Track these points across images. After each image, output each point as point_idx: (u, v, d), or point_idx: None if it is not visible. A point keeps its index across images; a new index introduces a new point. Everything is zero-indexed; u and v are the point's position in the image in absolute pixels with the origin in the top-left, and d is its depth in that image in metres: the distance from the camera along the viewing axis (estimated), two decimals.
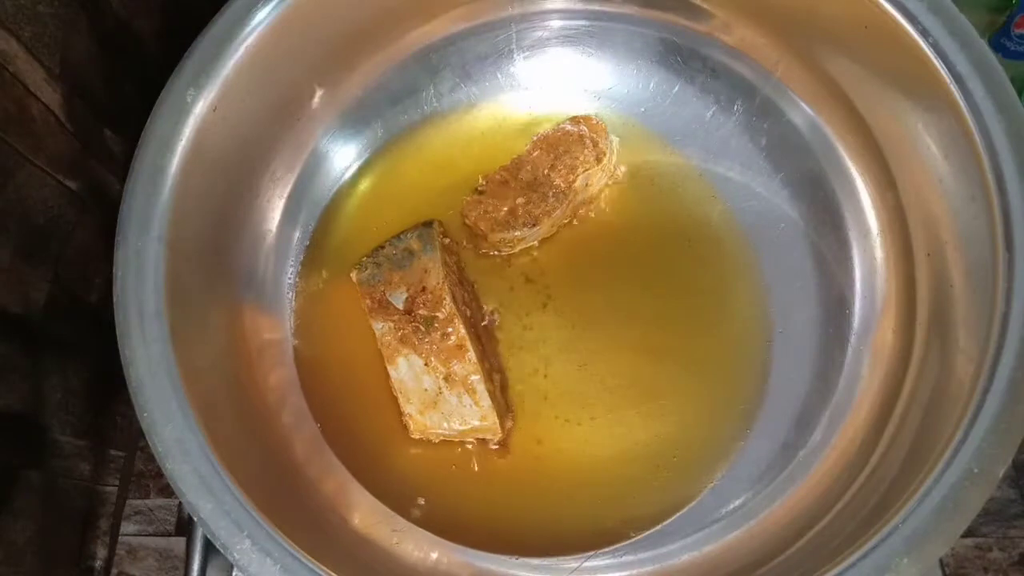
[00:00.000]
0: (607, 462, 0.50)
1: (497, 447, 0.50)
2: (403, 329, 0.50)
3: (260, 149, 0.51)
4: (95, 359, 0.63)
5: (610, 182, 0.56)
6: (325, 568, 0.38)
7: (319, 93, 0.53)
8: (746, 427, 0.50)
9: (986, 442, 0.36)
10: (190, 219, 0.44)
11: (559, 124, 0.56)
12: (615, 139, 0.56)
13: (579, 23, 0.57)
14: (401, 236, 0.53)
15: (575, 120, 0.56)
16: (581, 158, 0.54)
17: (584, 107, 0.58)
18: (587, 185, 0.54)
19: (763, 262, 0.53)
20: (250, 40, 0.45)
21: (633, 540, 0.47)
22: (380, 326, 0.51)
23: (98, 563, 0.68)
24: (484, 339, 0.52)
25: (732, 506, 0.48)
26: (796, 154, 0.54)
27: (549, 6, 0.56)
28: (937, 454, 0.37)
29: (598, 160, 0.54)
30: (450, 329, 0.49)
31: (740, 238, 0.54)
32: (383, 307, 0.51)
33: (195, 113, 0.44)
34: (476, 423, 0.49)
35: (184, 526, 0.72)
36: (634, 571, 0.48)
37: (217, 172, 0.47)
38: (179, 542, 0.71)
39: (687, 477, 0.49)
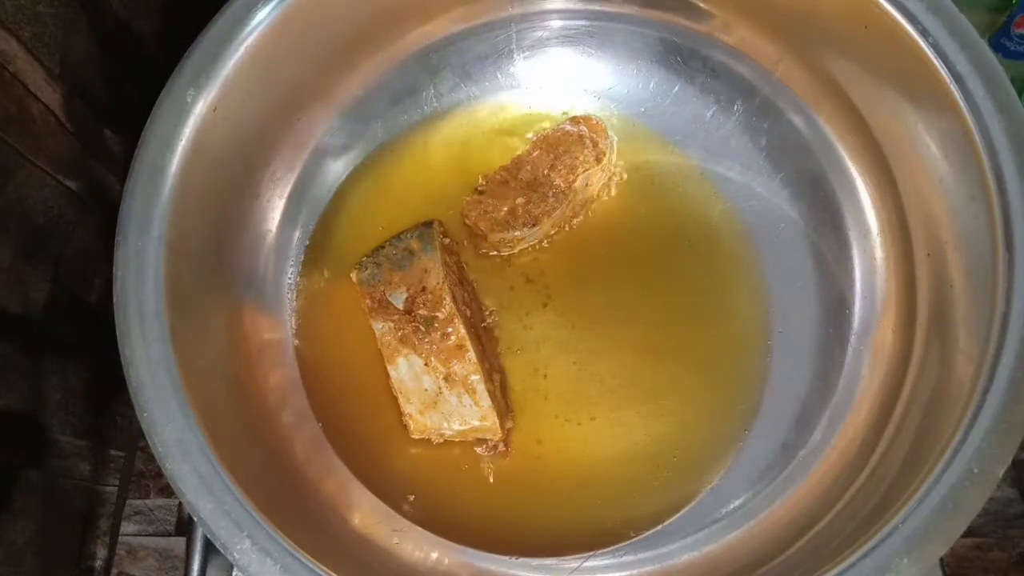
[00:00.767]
0: (607, 462, 0.50)
1: (497, 447, 0.50)
2: (403, 329, 0.50)
3: (260, 149, 0.51)
4: (95, 359, 0.63)
5: (610, 182, 0.56)
6: (325, 568, 0.38)
7: (319, 93, 0.53)
8: (746, 427, 0.50)
9: (986, 442, 0.36)
10: (190, 219, 0.44)
11: (559, 124, 0.56)
12: (615, 139, 0.56)
13: (579, 23, 0.57)
14: (401, 236, 0.53)
15: (575, 120, 0.56)
16: (581, 158, 0.54)
17: (584, 107, 0.58)
18: (587, 185, 0.54)
19: (763, 262, 0.53)
20: (250, 40, 0.45)
21: (633, 540, 0.47)
22: (380, 326, 0.51)
23: (98, 563, 0.68)
24: (484, 339, 0.52)
25: (732, 506, 0.48)
26: (796, 154, 0.54)
27: (549, 6, 0.56)
28: (937, 454, 0.37)
29: (598, 160, 0.54)
30: (450, 329, 0.49)
31: (740, 238, 0.54)
32: (383, 307, 0.51)
33: (195, 113, 0.44)
34: (476, 423, 0.49)
35: (184, 526, 0.72)
36: (634, 571, 0.48)
37: (217, 172, 0.46)
38: (179, 542, 0.71)
39: (687, 477, 0.49)
